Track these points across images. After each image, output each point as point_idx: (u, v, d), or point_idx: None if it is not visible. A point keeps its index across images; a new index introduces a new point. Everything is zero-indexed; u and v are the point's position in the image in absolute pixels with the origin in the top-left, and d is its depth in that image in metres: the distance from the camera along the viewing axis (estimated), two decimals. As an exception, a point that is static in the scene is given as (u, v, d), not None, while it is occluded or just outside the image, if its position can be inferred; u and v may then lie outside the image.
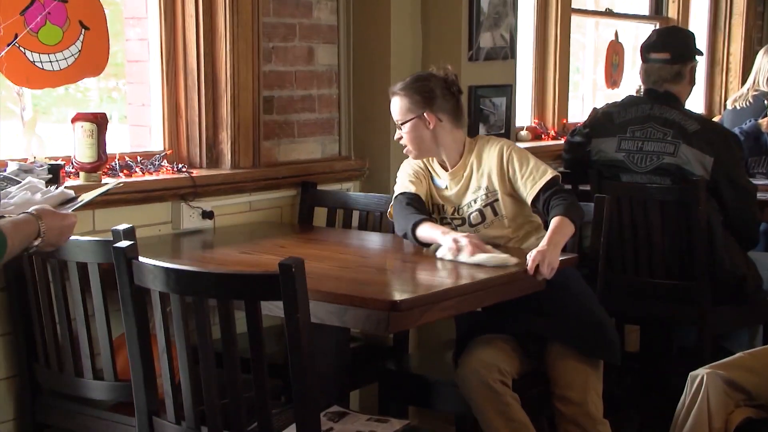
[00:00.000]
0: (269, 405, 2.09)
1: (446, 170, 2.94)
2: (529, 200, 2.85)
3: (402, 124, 2.87)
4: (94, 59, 2.80)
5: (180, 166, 3.10)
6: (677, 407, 2.24)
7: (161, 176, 3.01)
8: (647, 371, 3.78)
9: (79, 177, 2.80)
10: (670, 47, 3.50)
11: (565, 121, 4.77)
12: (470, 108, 3.63)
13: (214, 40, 3.16)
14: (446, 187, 2.95)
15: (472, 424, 3.18)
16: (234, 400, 2.09)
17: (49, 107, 3.18)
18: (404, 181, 2.98)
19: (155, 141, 3.21)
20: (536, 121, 4.73)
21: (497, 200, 2.87)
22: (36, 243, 2.00)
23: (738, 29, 6.04)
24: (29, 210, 2.02)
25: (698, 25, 5.96)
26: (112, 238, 2.32)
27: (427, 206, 2.96)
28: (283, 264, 1.98)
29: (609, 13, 5.41)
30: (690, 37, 3.67)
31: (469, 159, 2.92)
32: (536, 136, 4.66)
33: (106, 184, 2.38)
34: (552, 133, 4.70)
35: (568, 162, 3.81)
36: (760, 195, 3.82)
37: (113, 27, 3.15)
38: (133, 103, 3.25)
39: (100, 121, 2.76)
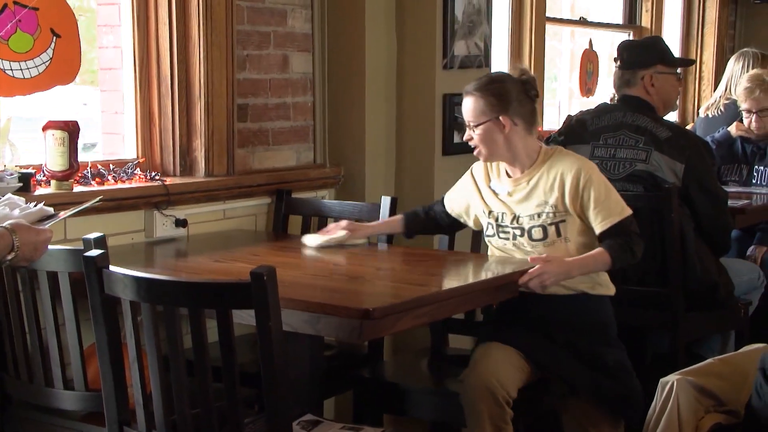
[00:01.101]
0: (241, 414, 2.08)
1: (509, 176, 2.83)
2: (594, 227, 2.74)
3: (475, 126, 2.75)
4: (65, 67, 2.78)
5: (153, 174, 3.08)
6: (648, 413, 2.25)
7: (134, 184, 2.99)
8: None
9: (50, 185, 2.78)
10: (621, 55, 3.59)
11: (540, 129, 4.79)
12: (445, 116, 3.64)
13: (188, 47, 3.15)
14: (508, 193, 2.81)
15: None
16: (205, 409, 2.08)
17: (21, 114, 3.16)
18: (454, 191, 2.99)
19: (128, 149, 3.19)
20: (511, 128, 4.75)
21: (564, 221, 2.74)
22: (9, 257, 1.99)
23: (710, 38, 6.10)
24: (3, 224, 2.00)
25: (671, 34, 6.02)
26: (83, 247, 2.30)
27: (463, 218, 2.94)
28: (254, 272, 1.98)
29: (583, 22, 5.45)
30: (646, 47, 3.67)
31: (539, 169, 2.77)
32: (511, 144, 4.67)
33: (86, 201, 2.37)
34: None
35: None
36: (732, 202, 3.86)
37: (88, 34, 3.14)
38: (107, 111, 3.24)
39: (71, 129, 2.74)
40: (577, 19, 5.46)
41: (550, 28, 4.97)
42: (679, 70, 3.75)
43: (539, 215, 2.75)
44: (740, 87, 4.41)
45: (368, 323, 2.20)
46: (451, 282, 2.56)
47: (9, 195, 2.36)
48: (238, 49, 3.28)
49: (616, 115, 3.51)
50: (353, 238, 2.95)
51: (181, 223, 3.08)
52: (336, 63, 3.61)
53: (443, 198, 3.01)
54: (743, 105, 4.35)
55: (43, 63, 2.72)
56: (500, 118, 2.71)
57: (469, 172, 2.95)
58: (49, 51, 2.73)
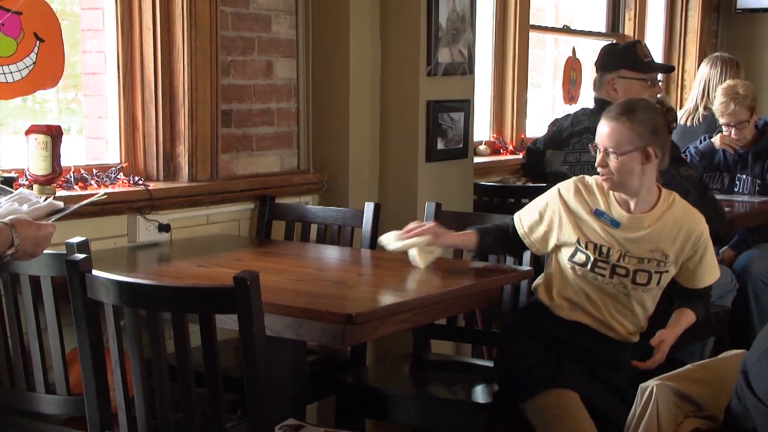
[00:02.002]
0: (223, 418, 2.08)
1: (628, 211, 2.68)
2: (685, 284, 2.76)
3: (618, 154, 2.60)
4: (48, 71, 2.78)
5: (137, 179, 3.08)
6: (627, 419, 2.27)
7: (117, 189, 2.99)
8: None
9: (32, 190, 2.78)
10: (597, 58, 3.70)
11: (523, 136, 4.82)
12: (428, 123, 3.65)
13: (172, 53, 3.15)
14: (619, 228, 2.66)
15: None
16: (188, 414, 2.09)
17: (5, 118, 3.16)
18: (532, 212, 2.80)
19: (112, 154, 3.19)
20: (495, 135, 4.78)
21: (667, 272, 2.69)
22: (9, 252, 1.96)
23: (692, 46, 6.15)
24: (3, 220, 1.98)
25: (654, 43, 6.06)
26: (65, 251, 2.30)
27: (535, 246, 2.79)
28: (237, 277, 1.98)
29: (567, 30, 5.48)
30: (612, 53, 3.72)
31: (666, 215, 2.68)
32: (495, 151, 4.70)
33: (93, 195, 2.38)
34: (510, 147, 4.75)
35: (525, 167, 3.90)
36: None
37: (71, 38, 3.14)
38: (90, 116, 3.23)
39: (54, 134, 2.74)
40: (561, 27, 5.49)
41: (533, 35, 5.00)
42: (661, 77, 3.78)
43: (650, 260, 2.66)
44: (716, 101, 4.44)
45: (351, 328, 2.21)
46: (433, 287, 2.58)
47: (21, 189, 2.36)
48: (222, 55, 3.28)
49: (584, 119, 3.57)
50: (433, 247, 2.72)
51: (164, 228, 3.09)
52: (320, 69, 3.62)
53: (513, 219, 2.84)
54: (721, 120, 4.39)
55: (26, 67, 2.72)
56: (648, 148, 2.61)
57: (555, 194, 2.77)
58: (33, 55, 2.73)
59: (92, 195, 2.57)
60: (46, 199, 2.20)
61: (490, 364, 3.25)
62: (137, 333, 2.11)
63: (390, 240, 2.72)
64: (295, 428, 2.43)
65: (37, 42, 2.74)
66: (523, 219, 2.80)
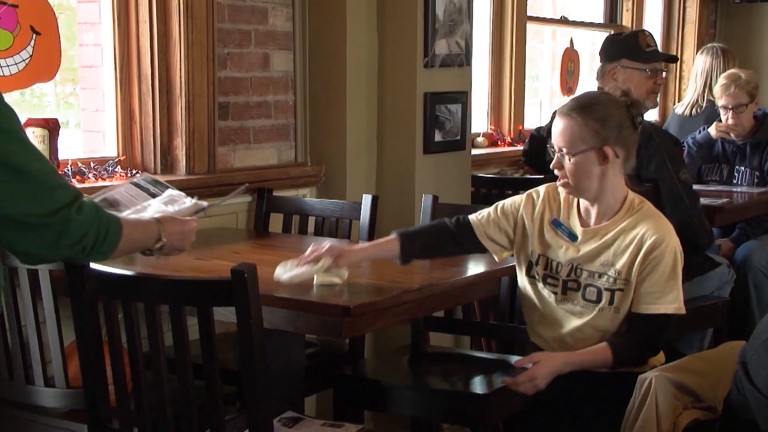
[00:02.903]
0: (221, 411, 2.09)
1: (588, 220, 2.41)
2: (631, 308, 2.37)
3: (571, 155, 2.32)
4: (45, 64, 2.78)
5: (134, 171, 3.08)
6: (626, 410, 2.27)
7: (115, 182, 2.99)
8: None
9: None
10: (601, 48, 3.70)
11: (521, 128, 4.81)
12: (426, 115, 3.65)
13: (169, 45, 3.15)
14: (576, 243, 2.40)
15: (427, 429, 3.21)
16: (186, 406, 2.09)
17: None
18: (497, 214, 2.50)
19: (109, 147, 3.19)
20: (492, 127, 4.77)
21: (622, 291, 2.36)
22: (157, 246, 2.06)
23: (690, 37, 6.14)
24: (154, 216, 2.12)
25: (652, 33, 6.05)
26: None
27: (496, 250, 2.50)
28: (235, 270, 1.98)
29: (564, 21, 5.47)
30: (612, 42, 3.73)
31: (620, 224, 2.36)
32: (492, 143, 4.70)
33: (238, 187, 2.51)
34: (508, 139, 4.74)
35: (526, 154, 3.91)
36: (711, 201, 3.90)
37: (69, 32, 3.13)
38: (87, 109, 3.23)
39: (51, 127, 2.73)
40: (559, 18, 5.48)
41: (531, 27, 4.99)
42: (664, 67, 3.77)
43: (600, 275, 2.38)
44: (717, 85, 4.45)
45: (348, 320, 2.21)
46: (430, 280, 2.57)
47: (170, 191, 2.47)
48: (218, 48, 3.28)
49: None
50: (335, 268, 2.40)
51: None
52: (317, 61, 3.61)
53: (467, 218, 2.53)
54: (720, 102, 4.39)
55: (23, 60, 2.71)
56: (604, 147, 2.31)
57: (525, 197, 2.50)
58: (29, 48, 2.72)
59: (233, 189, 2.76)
60: (192, 199, 2.36)
61: (488, 355, 3.26)
62: (135, 326, 2.11)
63: (284, 271, 2.38)
64: (293, 420, 2.43)
65: (34, 35, 2.73)
66: (487, 220, 2.51)
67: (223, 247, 2.99)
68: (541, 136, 3.78)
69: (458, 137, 3.82)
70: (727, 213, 3.93)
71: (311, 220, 3.39)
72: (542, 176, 3.58)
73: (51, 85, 3.23)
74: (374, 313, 2.29)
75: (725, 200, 4.03)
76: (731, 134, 4.39)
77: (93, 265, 2.15)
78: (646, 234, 2.33)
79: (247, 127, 3.47)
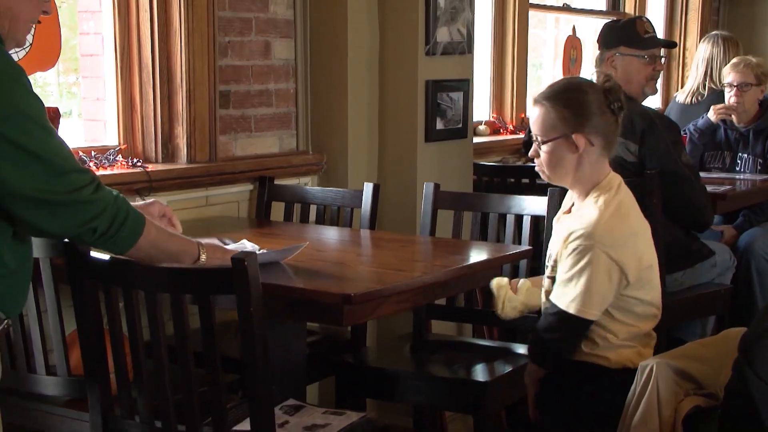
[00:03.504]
0: (223, 399, 2.09)
1: (567, 213, 2.40)
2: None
3: (543, 143, 2.29)
4: (45, 53, 2.77)
5: (135, 161, 3.08)
6: (627, 397, 2.27)
7: (116, 171, 2.99)
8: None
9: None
10: (598, 36, 3.69)
11: (523, 116, 4.80)
12: (427, 103, 3.64)
13: (169, 34, 3.14)
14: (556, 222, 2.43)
15: (429, 416, 3.21)
16: (188, 395, 2.09)
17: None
18: None
19: (110, 136, 3.19)
20: (494, 115, 4.76)
21: (553, 280, 2.35)
22: (196, 265, 2.13)
23: (694, 24, 6.12)
24: (199, 239, 2.20)
25: (654, 21, 5.97)
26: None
27: None
28: (236, 258, 1.98)
29: (566, 9, 5.45)
30: (613, 29, 3.71)
31: (575, 214, 2.33)
32: (494, 131, 4.69)
33: (299, 245, 2.52)
34: (510, 127, 4.73)
35: (527, 144, 3.89)
36: (714, 188, 3.89)
37: (71, 22, 3.12)
38: (88, 98, 3.23)
39: (52, 116, 2.72)
40: (561, 5, 5.46)
41: (533, 15, 4.97)
42: (663, 54, 3.77)
43: (549, 260, 2.39)
44: (727, 65, 4.46)
45: (350, 308, 2.21)
46: (432, 267, 2.57)
47: (244, 241, 2.54)
48: (219, 36, 3.27)
49: None
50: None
51: (163, 209, 3.08)
52: (318, 49, 3.60)
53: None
54: (727, 79, 4.40)
55: (23, 49, 2.71)
56: (573, 135, 2.26)
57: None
58: (29, 37, 2.71)
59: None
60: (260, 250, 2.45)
61: (490, 343, 3.26)
62: (136, 315, 2.11)
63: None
64: (295, 408, 2.44)
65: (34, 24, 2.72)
66: None
67: (224, 235, 2.99)
68: None
69: (460, 125, 3.81)
70: (730, 200, 3.93)
71: (313, 209, 3.39)
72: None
73: (54, 74, 3.23)
74: (376, 301, 2.28)
75: (728, 187, 4.03)
76: (732, 116, 4.38)
77: (93, 254, 2.15)
78: (574, 224, 2.28)
79: (249, 116, 3.46)
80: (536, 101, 2.31)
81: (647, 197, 3.28)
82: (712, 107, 4.46)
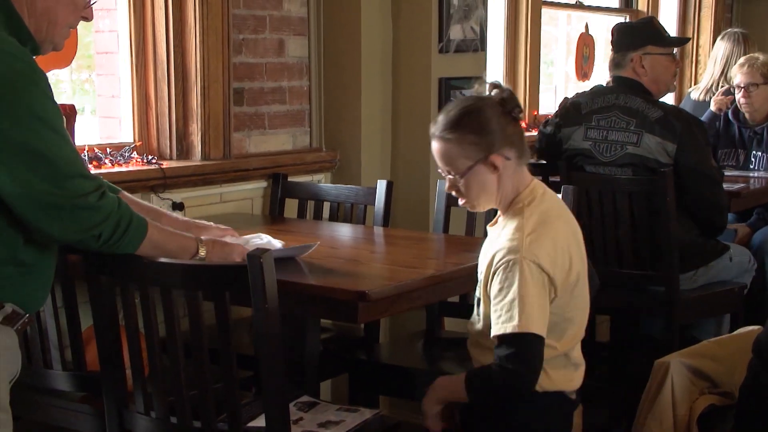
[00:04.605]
0: (238, 395, 2.09)
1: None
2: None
3: (459, 175, 2.14)
4: (62, 51, 2.76)
5: (150, 157, 3.09)
6: (642, 394, 2.27)
7: (131, 168, 3.00)
8: (617, 361, 3.82)
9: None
10: (614, 38, 3.63)
11: (536, 113, 4.80)
12: (440, 100, 3.64)
13: (184, 31, 3.15)
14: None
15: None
16: (202, 391, 2.10)
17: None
18: None
19: (125, 132, 3.20)
20: (507, 112, 4.75)
21: (479, 301, 2.21)
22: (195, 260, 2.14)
23: (707, 22, 6.09)
24: (201, 236, 2.19)
25: (668, 18, 6.01)
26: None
27: None
28: (251, 255, 1.99)
29: (579, 6, 5.44)
30: (633, 30, 3.70)
31: (505, 215, 2.18)
32: (507, 128, 4.68)
33: (311, 245, 2.51)
34: (523, 124, 4.72)
35: (540, 152, 3.87)
36: (728, 186, 3.88)
37: (83, 18, 3.13)
38: (103, 95, 3.24)
39: (68, 113, 2.73)
40: (574, 2, 5.45)
41: (546, 12, 4.96)
42: (675, 50, 3.76)
43: (477, 280, 2.22)
44: (735, 65, 4.46)
45: (364, 305, 2.21)
46: (446, 265, 2.58)
47: (264, 237, 2.51)
48: (234, 33, 3.28)
49: (609, 97, 3.53)
50: None
51: (177, 206, 3.09)
52: (332, 47, 3.61)
53: None
54: (735, 80, 4.39)
55: (40, 46, 2.71)
56: (489, 158, 2.11)
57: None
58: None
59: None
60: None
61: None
62: (152, 311, 2.12)
63: None
64: (309, 405, 2.44)
65: (49, 21, 2.73)
66: None
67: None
68: (546, 132, 3.76)
69: (473, 122, 3.80)
70: (743, 198, 3.92)
71: (326, 206, 3.39)
72: (554, 163, 3.58)
73: (67, 71, 3.24)
74: (390, 298, 2.29)
75: (742, 185, 4.01)
76: (744, 111, 4.39)
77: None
78: (508, 232, 2.11)
79: (262, 113, 3.47)
80: (437, 137, 2.14)
81: (660, 196, 3.28)
82: (713, 100, 4.49)
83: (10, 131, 1.74)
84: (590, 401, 3.39)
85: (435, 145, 2.16)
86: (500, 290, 2.06)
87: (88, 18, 2.01)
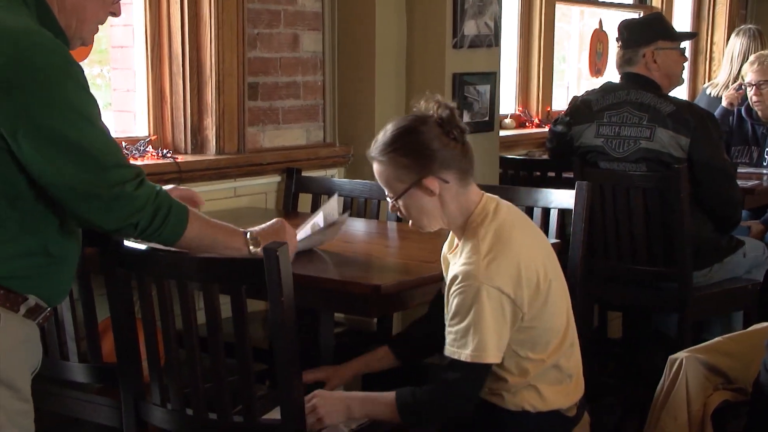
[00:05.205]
0: (253, 388, 2.10)
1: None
2: None
3: (396, 198, 2.09)
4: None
5: (165, 151, 3.11)
6: (656, 390, 2.27)
7: (146, 162, 3.02)
8: (629, 358, 3.82)
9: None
10: (621, 34, 3.61)
11: (549, 109, 4.80)
12: (454, 96, 3.65)
13: (199, 26, 3.16)
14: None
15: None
16: (218, 383, 2.11)
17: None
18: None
19: (140, 127, 3.22)
20: (520, 108, 4.76)
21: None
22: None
23: (721, 18, 6.07)
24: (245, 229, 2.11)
25: (682, 14, 6.00)
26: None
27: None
28: (267, 248, 1.99)
29: (593, 2, 5.43)
30: (645, 25, 3.69)
31: (463, 238, 2.09)
32: (520, 124, 4.69)
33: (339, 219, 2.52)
34: (536, 120, 4.73)
35: (552, 151, 3.87)
36: (741, 182, 3.87)
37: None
38: (118, 89, 3.26)
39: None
40: (588, -1, 5.45)
41: (558, 8, 4.95)
42: (683, 45, 3.76)
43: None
44: (747, 62, 4.45)
45: (378, 300, 2.22)
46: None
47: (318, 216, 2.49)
48: (248, 28, 3.29)
49: (620, 93, 3.53)
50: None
51: (192, 200, 3.10)
52: (346, 42, 3.61)
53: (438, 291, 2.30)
54: (746, 77, 4.39)
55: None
56: (423, 181, 2.03)
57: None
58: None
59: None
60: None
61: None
62: (168, 304, 2.13)
63: None
64: (323, 398, 2.45)
65: (67, 15, 2.74)
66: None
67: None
68: (557, 131, 3.76)
69: (486, 118, 3.81)
70: (757, 195, 3.91)
71: (340, 201, 3.40)
72: (568, 160, 3.58)
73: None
74: (404, 293, 2.29)
75: (755, 182, 4.01)
76: (756, 109, 4.38)
77: (126, 243, 2.17)
78: (455, 267, 2.05)
79: (276, 108, 3.48)
80: (373, 158, 2.09)
81: (674, 192, 3.28)
82: (724, 95, 4.48)
83: (48, 123, 1.75)
84: (602, 398, 3.40)
85: (374, 166, 2.11)
86: (456, 313, 1.99)
87: (116, 14, 2.03)
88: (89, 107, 1.84)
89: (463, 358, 1.98)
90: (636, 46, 3.56)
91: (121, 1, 2.03)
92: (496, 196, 2.15)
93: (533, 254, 2.05)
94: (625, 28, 3.64)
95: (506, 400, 2.07)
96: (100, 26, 2.01)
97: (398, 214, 2.13)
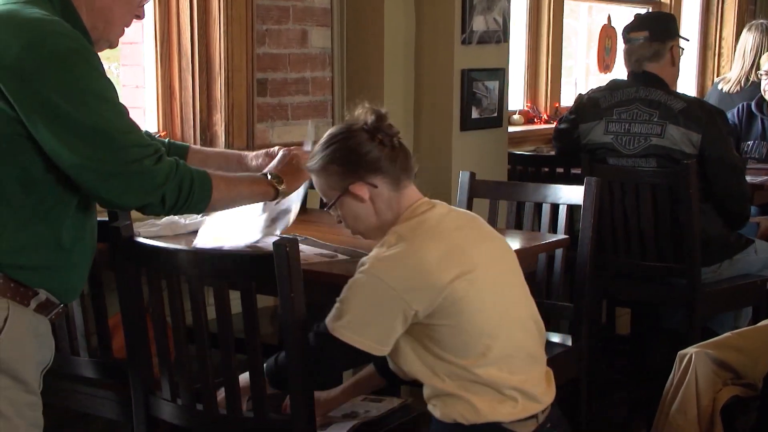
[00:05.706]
0: (263, 384, 2.11)
1: None
2: None
3: (330, 207, 2.09)
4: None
5: (175, 147, 3.11)
6: (666, 386, 2.27)
7: (156, 158, 3.02)
8: (637, 354, 3.82)
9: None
10: (649, 26, 3.57)
11: (557, 105, 4.79)
12: (463, 92, 3.64)
13: (208, 22, 3.17)
14: None
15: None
16: (228, 379, 2.12)
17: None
18: None
19: (149, 122, 3.23)
20: (529, 104, 4.75)
21: None
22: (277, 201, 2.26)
23: (730, 13, 6.05)
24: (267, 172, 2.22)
25: (690, 10, 5.98)
26: (108, 219, 2.33)
27: None
28: (277, 244, 2.00)
29: (602, -3, 5.42)
30: (670, 19, 3.72)
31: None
32: (529, 120, 4.69)
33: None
34: (544, 116, 4.72)
35: (559, 149, 3.87)
36: (751, 178, 3.86)
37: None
38: (128, 85, 3.26)
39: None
40: (597, -6, 5.43)
41: (567, 4, 4.94)
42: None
43: None
44: (766, 53, 4.45)
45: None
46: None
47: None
48: (257, 24, 3.29)
49: (629, 90, 3.52)
50: None
51: (201, 196, 3.11)
52: (355, 38, 3.62)
53: None
54: (764, 66, 4.38)
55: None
56: (350, 188, 2.02)
57: None
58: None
59: None
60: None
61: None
62: (179, 300, 2.14)
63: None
64: (332, 394, 2.45)
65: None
66: None
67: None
68: (562, 129, 3.76)
69: (495, 114, 3.81)
70: (766, 191, 3.90)
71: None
72: (576, 156, 3.58)
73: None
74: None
75: (765, 178, 4.00)
76: None
77: (137, 239, 2.18)
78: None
79: (285, 104, 3.48)
80: (307, 167, 2.11)
81: (683, 188, 3.28)
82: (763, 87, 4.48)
83: (65, 106, 1.77)
84: (610, 394, 3.41)
85: (312, 178, 2.12)
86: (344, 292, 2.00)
87: (140, 16, 2.03)
88: (106, 89, 1.85)
89: (321, 329, 2.00)
90: (663, 38, 3.52)
91: (145, 4, 2.03)
92: (442, 203, 2.10)
93: (453, 254, 1.95)
94: (656, 19, 3.63)
95: (440, 412, 2.01)
96: (126, 29, 2.02)
97: (343, 225, 2.11)
